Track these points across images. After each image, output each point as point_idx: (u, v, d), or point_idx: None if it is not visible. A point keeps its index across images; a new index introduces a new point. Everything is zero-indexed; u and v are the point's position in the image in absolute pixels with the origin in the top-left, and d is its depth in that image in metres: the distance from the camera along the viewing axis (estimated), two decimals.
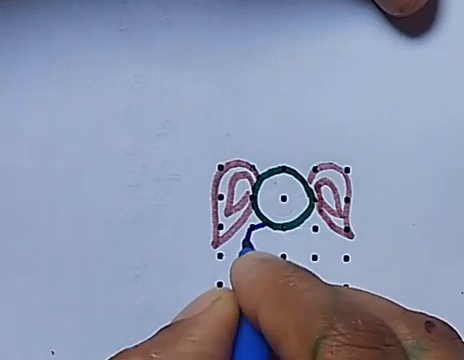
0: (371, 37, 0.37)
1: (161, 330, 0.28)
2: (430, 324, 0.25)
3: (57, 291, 0.37)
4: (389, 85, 0.37)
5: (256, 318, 0.26)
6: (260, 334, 0.26)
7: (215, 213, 0.37)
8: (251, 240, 0.36)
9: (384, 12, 0.36)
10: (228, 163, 0.37)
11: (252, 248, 0.36)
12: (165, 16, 0.37)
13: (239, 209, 0.37)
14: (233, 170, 0.37)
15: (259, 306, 0.25)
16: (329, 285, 0.26)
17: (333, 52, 0.37)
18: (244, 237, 0.37)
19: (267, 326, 0.25)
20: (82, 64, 0.37)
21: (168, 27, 0.37)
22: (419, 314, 0.26)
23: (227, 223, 0.37)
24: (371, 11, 0.37)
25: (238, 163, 0.37)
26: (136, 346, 0.28)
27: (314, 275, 0.26)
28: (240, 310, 0.27)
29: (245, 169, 0.37)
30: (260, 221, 0.37)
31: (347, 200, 0.37)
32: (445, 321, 0.25)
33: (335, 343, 0.22)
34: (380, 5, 0.36)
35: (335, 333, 0.22)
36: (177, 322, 0.28)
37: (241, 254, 0.32)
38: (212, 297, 0.28)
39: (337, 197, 0.37)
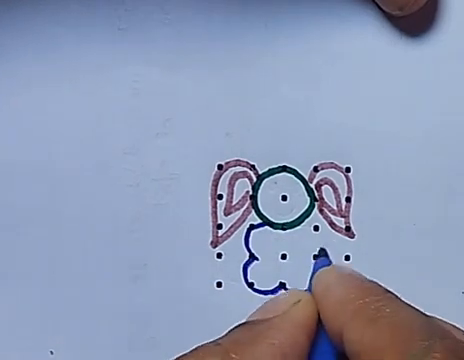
0: (372, 36, 0.37)
1: (238, 327, 0.28)
2: None
3: (56, 291, 0.37)
4: (390, 85, 0.37)
5: (340, 334, 0.26)
6: (336, 345, 0.27)
7: (214, 213, 0.37)
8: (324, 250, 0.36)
9: (384, 11, 0.36)
10: (228, 163, 0.37)
11: (328, 258, 0.36)
12: (164, 15, 0.37)
13: (239, 209, 0.37)
14: (233, 169, 0.37)
15: (347, 324, 0.25)
16: (417, 309, 0.26)
17: (333, 51, 0.37)
18: (243, 238, 0.37)
19: (357, 343, 0.25)
20: (81, 63, 0.37)
21: (167, 26, 0.37)
22: None
23: (226, 223, 0.37)
24: (371, 10, 0.36)
25: (238, 163, 0.37)
26: (214, 343, 0.27)
27: (400, 299, 0.27)
28: (318, 316, 0.27)
29: (245, 169, 0.37)
30: (260, 221, 0.37)
31: (348, 200, 0.37)
32: None
33: None
34: (380, 4, 0.36)
35: (435, 355, 0.23)
36: (256, 322, 0.28)
37: (317, 263, 0.32)
38: (292, 299, 0.28)
39: (338, 197, 0.37)
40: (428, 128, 0.37)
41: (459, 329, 0.27)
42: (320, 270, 0.30)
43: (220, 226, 0.37)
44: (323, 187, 0.37)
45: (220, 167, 0.37)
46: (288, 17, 0.37)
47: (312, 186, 0.37)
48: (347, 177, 0.37)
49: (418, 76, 0.36)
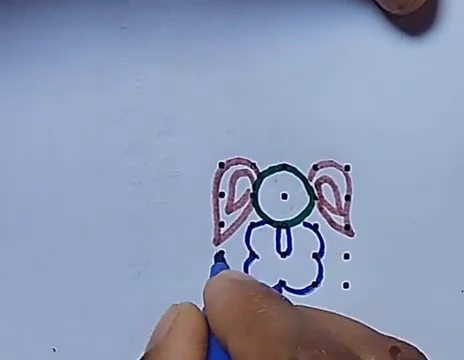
0: (371, 35, 0.37)
1: None
2: (396, 349, 0.24)
3: (59, 288, 0.37)
4: (389, 83, 0.37)
5: (226, 343, 0.25)
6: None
7: (216, 211, 0.37)
8: (225, 256, 0.36)
9: (384, 10, 0.36)
10: (229, 161, 0.37)
11: (225, 263, 0.36)
12: (166, 14, 0.37)
13: (240, 207, 0.37)
14: (234, 168, 0.37)
15: (228, 332, 0.25)
16: (299, 310, 0.26)
17: (333, 50, 0.37)
18: (244, 236, 0.37)
19: (235, 353, 0.25)
20: (83, 62, 0.37)
21: (169, 25, 0.37)
22: (387, 338, 0.25)
23: (228, 221, 0.37)
24: (372, 9, 0.37)
25: (239, 161, 0.37)
26: None
27: (285, 299, 0.26)
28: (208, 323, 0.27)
29: (246, 167, 0.37)
30: (260, 219, 0.37)
31: (347, 198, 0.37)
32: (414, 346, 0.25)
33: None
34: (380, 3, 0.36)
35: None
36: (149, 353, 0.28)
37: (213, 269, 0.32)
38: (172, 314, 0.28)
39: (337, 195, 0.37)
40: (428, 127, 0.37)
41: (352, 321, 0.26)
42: (212, 278, 0.29)
43: (222, 224, 0.37)
44: (323, 185, 0.37)
45: (221, 165, 0.37)
46: (288, 16, 0.37)
47: (312, 184, 0.37)
48: (347, 175, 0.37)
49: (418, 75, 0.37)
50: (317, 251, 0.37)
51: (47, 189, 0.37)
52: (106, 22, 0.37)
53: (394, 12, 0.35)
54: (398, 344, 0.25)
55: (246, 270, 0.37)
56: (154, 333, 0.29)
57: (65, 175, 0.37)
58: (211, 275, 0.32)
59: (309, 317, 0.25)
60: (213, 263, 0.36)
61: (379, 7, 0.36)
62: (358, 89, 0.37)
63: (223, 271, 0.30)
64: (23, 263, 0.37)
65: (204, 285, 0.29)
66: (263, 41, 0.37)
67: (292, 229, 0.37)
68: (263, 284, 0.28)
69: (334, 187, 0.37)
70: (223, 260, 0.36)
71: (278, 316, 0.25)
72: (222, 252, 0.37)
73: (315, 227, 0.37)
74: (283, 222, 0.37)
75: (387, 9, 0.36)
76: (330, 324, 0.26)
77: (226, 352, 0.26)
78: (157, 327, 0.29)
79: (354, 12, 0.37)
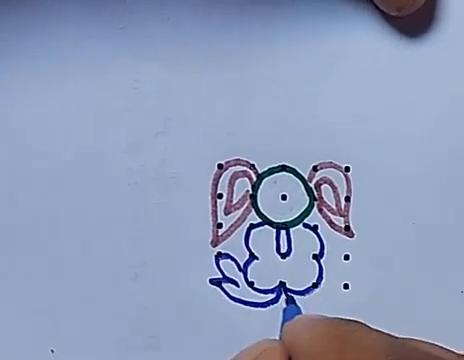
0: (371, 37, 0.37)
1: None
2: None
3: (56, 289, 0.37)
4: (389, 84, 0.37)
5: None
6: None
7: (214, 212, 0.37)
8: (296, 302, 0.36)
9: (383, 12, 0.36)
10: (228, 162, 0.37)
11: (296, 305, 0.36)
12: (165, 14, 0.37)
13: (239, 208, 0.37)
14: (233, 169, 0.37)
15: (323, 356, 0.26)
16: (384, 334, 0.27)
17: (333, 52, 0.37)
18: (243, 237, 0.37)
19: None
20: (81, 62, 0.37)
21: (168, 25, 0.37)
22: None
23: (226, 222, 0.37)
24: (372, 11, 0.37)
25: (238, 162, 0.37)
26: None
27: (368, 326, 0.27)
28: None
29: (245, 168, 0.37)
30: (260, 220, 0.37)
31: (347, 199, 0.37)
32: None
33: None
34: (378, 4, 0.36)
35: None
36: None
37: (286, 311, 0.32)
38: (259, 349, 0.29)
39: (337, 196, 0.37)
40: (427, 127, 0.37)
41: (437, 345, 0.28)
42: (288, 322, 0.30)
43: (220, 225, 0.37)
44: (322, 186, 0.37)
45: (220, 166, 0.37)
46: (287, 18, 0.37)
47: (311, 185, 0.37)
48: (346, 176, 0.37)
49: (417, 76, 0.37)
50: (317, 252, 0.37)
51: (44, 190, 0.37)
52: (104, 22, 0.37)
53: (393, 14, 0.35)
54: None
55: (246, 271, 0.37)
56: None
57: (62, 176, 0.37)
58: (284, 317, 0.32)
59: (398, 339, 0.27)
60: (285, 306, 0.36)
61: (378, 9, 0.36)
62: (357, 90, 0.37)
63: (300, 315, 0.31)
64: (20, 265, 0.37)
65: (284, 329, 0.30)
66: (262, 42, 0.37)
67: (292, 230, 0.37)
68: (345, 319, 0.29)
69: (334, 188, 0.37)
70: (294, 302, 0.36)
71: (368, 335, 0.26)
72: (292, 297, 0.36)
73: (315, 228, 0.37)
74: (283, 223, 0.37)
75: (385, 11, 0.36)
76: (418, 345, 0.27)
77: None
78: (240, 357, 0.29)
79: (353, 14, 0.37)
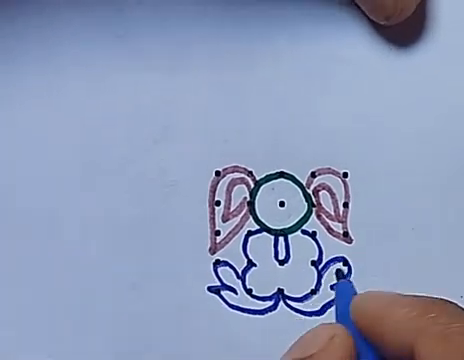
0: (369, 43, 0.37)
1: None
2: None
3: (54, 298, 0.37)
4: (386, 90, 0.37)
5: (410, 351, 0.26)
6: None
7: (212, 219, 0.37)
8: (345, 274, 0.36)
9: (373, 21, 0.36)
10: (225, 169, 0.37)
11: (346, 278, 0.35)
12: (161, 22, 0.37)
13: (236, 215, 0.37)
14: (230, 176, 0.37)
15: (419, 338, 0.26)
16: None
17: (331, 58, 0.37)
18: (241, 244, 0.37)
19: (429, 357, 0.26)
20: (80, 71, 0.37)
21: (165, 33, 0.37)
22: None
23: (224, 229, 0.37)
24: (364, 19, 0.37)
25: (235, 169, 0.37)
26: None
27: (460, 307, 0.27)
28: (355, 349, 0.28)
29: (242, 175, 0.37)
30: (258, 227, 0.37)
31: (345, 205, 0.37)
32: None
33: None
34: (367, 13, 0.36)
35: None
36: None
37: (340, 286, 0.32)
38: (327, 334, 0.28)
39: (335, 202, 0.37)
40: (425, 133, 0.37)
41: None
42: (357, 296, 0.29)
43: (218, 232, 0.37)
44: (321, 193, 0.37)
45: (218, 173, 0.37)
46: (285, 24, 0.37)
47: (309, 192, 0.37)
48: (344, 182, 0.37)
49: (414, 82, 0.37)
50: (315, 259, 0.37)
51: (43, 198, 0.37)
52: (102, 31, 0.37)
53: (381, 23, 0.36)
54: None
55: (244, 278, 0.37)
56: (300, 344, 0.29)
57: (61, 184, 0.37)
58: (339, 292, 0.31)
59: None
60: (335, 281, 0.35)
61: (368, 18, 0.36)
62: (355, 96, 0.37)
63: (373, 291, 0.30)
64: (18, 273, 0.37)
65: (355, 302, 0.29)
66: (260, 49, 0.37)
67: (290, 237, 0.37)
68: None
69: (332, 194, 0.37)
70: (344, 276, 0.35)
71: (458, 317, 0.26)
72: (341, 270, 0.36)
73: (313, 234, 0.37)
74: (281, 230, 0.37)
75: (374, 20, 0.36)
76: None
77: None
78: (305, 339, 0.29)
79: (352, 20, 0.37)
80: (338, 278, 0.33)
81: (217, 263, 0.37)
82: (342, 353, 0.27)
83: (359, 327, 0.28)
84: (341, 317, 0.30)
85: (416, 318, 0.27)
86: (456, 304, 0.27)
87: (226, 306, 0.37)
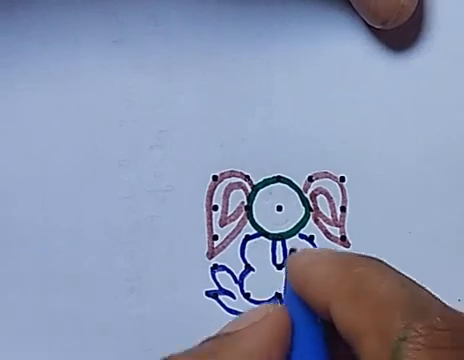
0: (366, 47, 0.37)
1: (207, 340, 0.27)
2: None
3: (52, 303, 0.37)
4: (383, 95, 0.37)
5: (327, 311, 0.25)
6: (317, 332, 0.26)
7: (210, 224, 0.37)
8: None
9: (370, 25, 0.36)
10: (222, 174, 0.37)
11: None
12: (157, 27, 0.37)
13: (234, 219, 0.37)
14: (227, 180, 0.37)
15: (332, 300, 0.24)
16: (400, 274, 0.25)
17: (327, 62, 0.37)
18: (239, 249, 0.37)
19: (342, 321, 0.24)
20: (75, 76, 0.37)
21: (160, 38, 0.37)
22: None
23: (222, 234, 0.37)
24: (361, 24, 0.37)
25: (232, 174, 0.37)
26: (184, 353, 0.27)
27: (385, 264, 0.26)
28: (293, 325, 0.27)
29: (240, 179, 0.37)
30: (255, 231, 0.37)
31: (343, 209, 0.37)
32: None
33: (416, 347, 0.21)
34: (364, 18, 0.36)
35: (415, 334, 0.22)
36: (225, 334, 0.27)
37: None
38: (262, 312, 0.27)
39: (333, 206, 0.37)
40: (421, 136, 0.37)
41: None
42: (292, 255, 0.28)
43: (216, 237, 0.37)
44: (318, 197, 0.37)
45: (215, 178, 0.37)
46: (282, 28, 0.37)
47: (307, 196, 0.37)
48: (342, 186, 0.37)
49: (410, 88, 0.37)
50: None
51: (39, 203, 0.37)
52: (97, 35, 0.37)
53: (377, 27, 0.36)
54: None
55: (242, 283, 0.37)
56: (235, 323, 0.27)
57: (57, 189, 0.37)
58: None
59: (413, 284, 0.25)
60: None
61: (365, 22, 0.36)
62: (352, 100, 0.37)
63: (307, 248, 0.29)
64: (14, 278, 0.37)
65: (287, 262, 0.28)
66: (256, 54, 0.37)
67: (288, 241, 0.37)
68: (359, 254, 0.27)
69: (329, 198, 0.37)
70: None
71: (384, 280, 0.24)
72: (294, 249, 0.36)
73: (311, 239, 0.37)
74: (278, 234, 0.37)
75: (371, 24, 0.36)
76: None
77: (313, 349, 0.26)
78: (241, 318, 0.27)
79: (349, 27, 0.37)
80: (290, 253, 0.33)
81: (215, 268, 0.37)
82: (273, 329, 0.26)
83: (296, 294, 0.27)
84: (287, 292, 0.28)
85: (333, 276, 0.25)
86: (383, 261, 0.26)
87: (224, 310, 0.37)
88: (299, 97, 0.37)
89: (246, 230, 0.37)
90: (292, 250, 0.33)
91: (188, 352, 0.26)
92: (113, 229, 0.37)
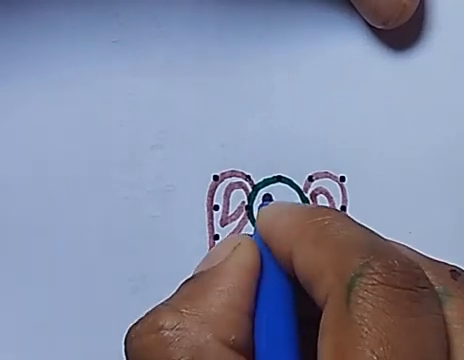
0: (367, 47, 0.37)
1: (185, 283, 0.28)
2: (455, 273, 0.25)
3: (54, 303, 0.37)
4: (383, 95, 0.37)
5: (290, 260, 0.25)
6: (284, 281, 0.26)
7: (211, 224, 0.37)
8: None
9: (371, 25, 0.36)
10: (223, 173, 0.37)
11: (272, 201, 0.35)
12: (158, 27, 0.37)
13: (235, 219, 0.37)
14: (228, 180, 0.37)
15: (295, 246, 0.25)
16: (363, 226, 0.25)
17: (327, 62, 0.37)
18: (264, 194, 0.37)
19: (302, 265, 0.24)
20: (75, 77, 0.37)
21: (161, 38, 0.37)
22: (444, 263, 0.26)
23: (223, 233, 0.37)
24: (362, 24, 0.37)
25: (233, 173, 0.37)
26: (164, 304, 0.27)
27: (348, 216, 0.26)
28: (261, 256, 0.27)
29: (240, 179, 0.37)
30: None
31: (343, 209, 0.37)
32: None
33: (370, 282, 0.22)
34: (365, 17, 0.36)
35: (371, 271, 0.22)
36: (201, 273, 0.27)
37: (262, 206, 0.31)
38: (232, 244, 0.28)
39: (333, 206, 0.37)
40: (422, 137, 0.37)
41: (410, 248, 0.27)
42: (262, 209, 0.28)
43: (217, 237, 0.37)
44: (318, 196, 0.37)
45: (216, 178, 0.37)
46: (282, 27, 0.37)
47: (307, 196, 0.37)
48: (342, 186, 0.37)
49: (410, 87, 0.37)
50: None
51: (39, 204, 0.37)
52: (98, 36, 0.37)
53: (379, 27, 0.36)
54: (457, 268, 0.25)
55: None
56: (207, 258, 0.28)
57: (58, 190, 0.37)
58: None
59: (375, 234, 0.25)
60: (261, 203, 0.35)
61: (366, 22, 0.36)
62: (352, 99, 0.37)
63: (276, 201, 0.30)
64: (16, 278, 0.37)
65: (258, 215, 0.28)
66: (256, 53, 0.37)
67: None
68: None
69: (329, 198, 0.37)
70: (271, 200, 0.35)
71: (346, 227, 0.24)
72: (269, 195, 0.36)
73: None
74: None
75: (372, 24, 0.36)
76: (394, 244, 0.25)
77: (280, 280, 0.26)
78: (212, 253, 0.28)
79: (348, 26, 0.37)
80: (264, 200, 0.33)
81: None
82: (245, 262, 0.27)
83: (263, 241, 0.27)
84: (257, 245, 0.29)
85: (296, 227, 0.25)
86: (346, 215, 0.26)
87: None
88: (299, 97, 0.37)
89: (247, 230, 0.37)
90: (266, 195, 0.33)
91: (169, 301, 0.27)
92: (114, 229, 0.37)
